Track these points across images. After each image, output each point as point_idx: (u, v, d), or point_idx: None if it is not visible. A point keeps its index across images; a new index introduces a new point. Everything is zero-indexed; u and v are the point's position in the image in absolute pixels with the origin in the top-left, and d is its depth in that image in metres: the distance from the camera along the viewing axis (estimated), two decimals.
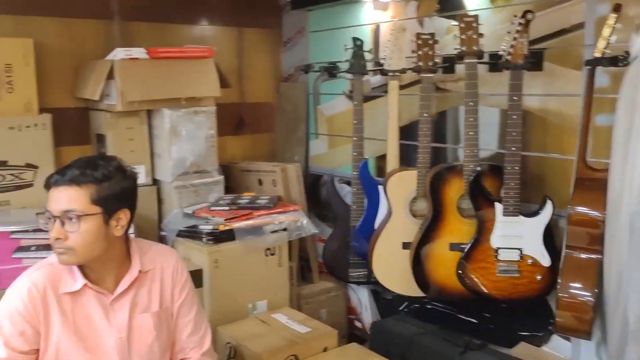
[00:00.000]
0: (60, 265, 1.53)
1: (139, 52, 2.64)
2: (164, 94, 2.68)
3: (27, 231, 2.31)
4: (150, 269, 1.64)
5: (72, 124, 2.84)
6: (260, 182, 3.07)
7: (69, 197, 1.45)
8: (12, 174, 2.51)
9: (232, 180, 3.22)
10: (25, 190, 2.53)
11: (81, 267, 1.55)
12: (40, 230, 1.74)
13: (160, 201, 2.85)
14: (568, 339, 2.25)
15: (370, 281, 2.75)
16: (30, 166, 2.54)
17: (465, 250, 2.22)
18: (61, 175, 1.46)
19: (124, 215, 1.55)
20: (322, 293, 3.03)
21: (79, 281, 1.54)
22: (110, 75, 2.61)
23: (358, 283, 2.89)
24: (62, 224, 1.45)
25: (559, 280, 1.97)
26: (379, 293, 3.04)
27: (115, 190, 1.51)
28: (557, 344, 2.30)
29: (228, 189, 3.18)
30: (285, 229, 2.68)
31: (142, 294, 1.62)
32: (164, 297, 1.66)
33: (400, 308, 2.91)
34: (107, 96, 2.68)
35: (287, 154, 3.45)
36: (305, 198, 3.11)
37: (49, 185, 1.48)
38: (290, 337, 2.39)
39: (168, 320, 1.67)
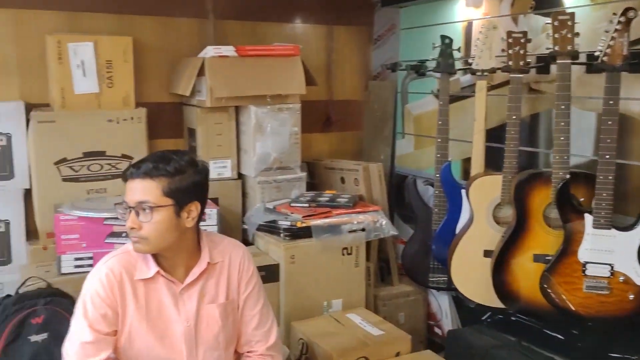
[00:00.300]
0: (135, 253, 1.61)
1: (228, 50, 2.72)
2: (251, 91, 2.75)
3: (119, 218, 2.45)
4: (219, 261, 1.69)
5: (166, 118, 2.99)
6: (342, 180, 3.07)
7: (142, 189, 1.52)
8: (109, 164, 2.68)
9: (316, 177, 3.25)
10: (120, 180, 2.67)
11: (155, 256, 1.62)
12: None
13: (244, 195, 2.93)
14: None
15: (450, 288, 2.67)
16: (125, 157, 2.69)
17: (550, 262, 2.09)
18: (136, 169, 1.54)
19: (194, 208, 1.60)
20: (401, 296, 2.97)
21: (152, 269, 1.61)
22: (201, 72, 2.71)
23: (438, 289, 2.81)
24: (137, 214, 1.53)
25: None
26: (461, 300, 2.93)
27: (187, 184, 1.56)
28: None
29: (312, 186, 3.21)
30: (363, 229, 2.65)
31: (210, 285, 1.67)
32: (231, 289, 1.70)
33: (483, 318, 2.80)
34: (199, 92, 2.79)
35: (373, 153, 3.42)
36: (389, 198, 3.07)
37: (125, 177, 1.56)
38: (362, 338, 2.37)
39: (234, 313, 1.71)
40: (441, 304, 3.03)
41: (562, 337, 2.41)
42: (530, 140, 2.50)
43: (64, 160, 2.59)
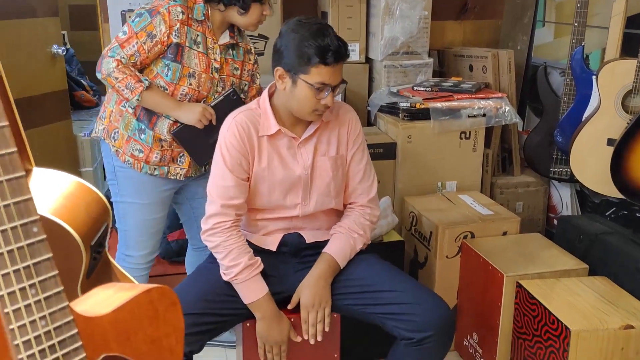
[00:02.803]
0: (258, 110, 1.84)
1: None
2: None
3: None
4: (331, 119, 1.89)
5: (301, 1, 3.11)
6: (470, 68, 3.04)
7: (341, 70, 1.75)
8: None
9: (445, 65, 3.24)
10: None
11: (277, 115, 1.83)
12: None
13: (371, 79, 3.04)
14: None
15: (572, 179, 2.62)
16: (262, 37, 2.90)
17: None
18: (340, 54, 1.70)
19: None
20: (520, 186, 2.96)
21: (274, 127, 1.82)
22: None
23: (559, 180, 2.77)
24: (333, 92, 1.75)
25: None
26: (585, 195, 2.87)
27: None
28: None
29: (440, 74, 3.22)
30: (484, 115, 2.66)
31: (323, 140, 1.88)
32: (340, 145, 1.90)
33: (607, 213, 2.73)
34: None
35: (510, 43, 3.30)
36: (518, 88, 3.00)
37: (328, 60, 1.68)
38: (470, 215, 2.46)
39: (343, 166, 1.92)
40: (562, 196, 2.98)
41: None
42: None
43: None
